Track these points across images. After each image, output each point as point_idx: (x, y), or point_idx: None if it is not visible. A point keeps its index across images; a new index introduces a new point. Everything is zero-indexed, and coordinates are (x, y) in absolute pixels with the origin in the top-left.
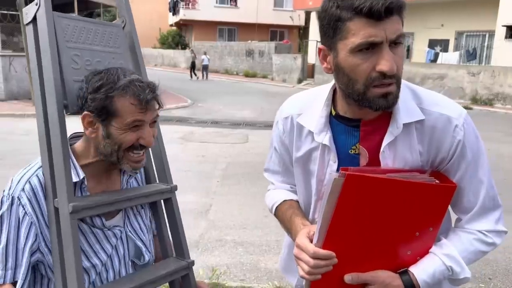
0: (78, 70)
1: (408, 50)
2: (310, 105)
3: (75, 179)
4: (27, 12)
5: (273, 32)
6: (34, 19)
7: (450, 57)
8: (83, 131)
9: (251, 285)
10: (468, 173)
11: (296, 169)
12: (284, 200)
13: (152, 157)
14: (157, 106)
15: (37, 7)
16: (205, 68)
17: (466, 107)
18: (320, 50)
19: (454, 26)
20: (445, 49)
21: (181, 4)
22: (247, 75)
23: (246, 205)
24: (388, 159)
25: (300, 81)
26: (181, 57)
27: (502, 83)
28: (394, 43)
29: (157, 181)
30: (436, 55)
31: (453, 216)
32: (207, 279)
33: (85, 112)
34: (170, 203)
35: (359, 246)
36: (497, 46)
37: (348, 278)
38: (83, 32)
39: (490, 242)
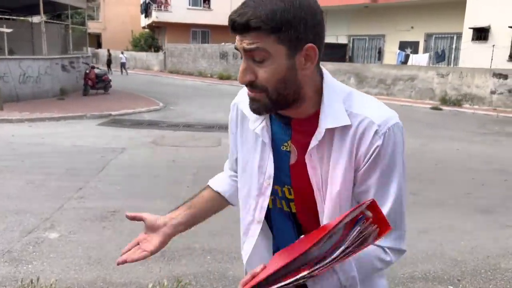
0: None
1: (380, 52)
2: None
3: None
4: None
5: None
6: None
7: (420, 58)
8: None
9: None
10: (377, 185)
11: (240, 156)
12: (208, 186)
13: None
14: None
15: None
16: (123, 65)
17: (436, 108)
18: None
19: (424, 28)
20: (415, 51)
21: (153, 6)
22: (221, 77)
23: None
24: (314, 162)
25: None
26: (154, 59)
27: (470, 84)
28: (254, 60)
29: None
30: (407, 57)
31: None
32: None
33: None
34: None
35: None
36: (464, 48)
37: None
38: None
39: (387, 261)
